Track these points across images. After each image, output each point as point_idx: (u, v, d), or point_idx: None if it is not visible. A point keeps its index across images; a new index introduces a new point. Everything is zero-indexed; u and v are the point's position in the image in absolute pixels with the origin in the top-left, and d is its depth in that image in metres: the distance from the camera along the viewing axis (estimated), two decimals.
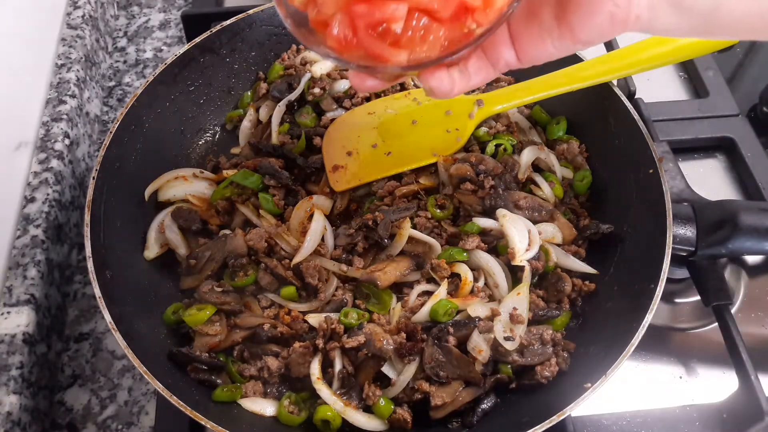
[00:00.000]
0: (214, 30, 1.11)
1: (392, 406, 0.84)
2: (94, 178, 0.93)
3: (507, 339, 0.84)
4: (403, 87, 1.13)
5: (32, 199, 1.04)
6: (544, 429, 0.75)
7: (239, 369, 0.89)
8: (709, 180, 1.19)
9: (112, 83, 1.38)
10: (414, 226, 0.96)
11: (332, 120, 1.10)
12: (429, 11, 0.57)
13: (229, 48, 1.14)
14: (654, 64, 0.98)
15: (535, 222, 0.96)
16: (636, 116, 0.98)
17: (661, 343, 1.01)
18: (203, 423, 0.76)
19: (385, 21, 0.56)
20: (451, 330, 0.86)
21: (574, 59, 1.02)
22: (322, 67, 1.15)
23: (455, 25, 0.58)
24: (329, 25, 0.58)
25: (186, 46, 1.09)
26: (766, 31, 0.59)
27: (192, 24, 1.31)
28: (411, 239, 0.95)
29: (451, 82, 0.64)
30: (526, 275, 0.91)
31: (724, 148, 1.22)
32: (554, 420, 0.75)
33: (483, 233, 0.95)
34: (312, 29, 0.60)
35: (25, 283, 0.96)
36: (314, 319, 0.90)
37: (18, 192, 1.05)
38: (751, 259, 1.08)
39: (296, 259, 0.94)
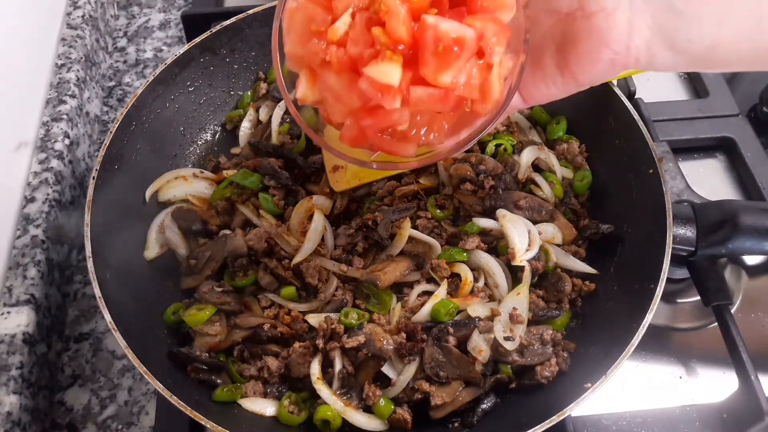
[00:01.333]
0: (214, 30, 1.10)
1: (392, 406, 0.84)
2: (94, 178, 0.93)
3: (507, 339, 0.84)
4: None
5: (32, 199, 1.04)
6: (544, 429, 0.75)
7: (239, 369, 0.89)
8: (709, 180, 1.19)
9: (112, 83, 1.38)
10: (414, 226, 0.96)
11: None
12: (431, 112, 0.61)
13: (229, 48, 1.14)
14: None
15: (535, 222, 0.96)
16: (636, 116, 0.98)
17: (661, 343, 1.01)
18: (203, 423, 0.76)
19: (391, 127, 0.61)
20: (451, 330, 0.86)
21: None
22: None
23: (457, 111, 0.62)
24: (341, 126, 0.63)
25: (186, 46, 1.09)
26: (760, 64, 0.62)
27: (192, 24, 1.31)
28: (411, 239, 0.95)
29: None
30: (526, 275, 0.91)
31: (724, 148, 1.22)
32: (554, 420, 0.75)
33: (483, 233, 0.95)
34: (323, 123, 0.66)
35: (25, 283, 0.96)
36: (314, 319, 0.90)
37: (18, 192, 1.05)
38: (751, 259, 1.08)
39: (296, 259, 0.94)
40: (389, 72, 0.56)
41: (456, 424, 0.84)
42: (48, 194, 1.05)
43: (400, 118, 0.60)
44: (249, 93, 1.17)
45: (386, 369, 0.86)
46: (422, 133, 0.63)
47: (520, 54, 0.62)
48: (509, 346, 0.84)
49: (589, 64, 0.61)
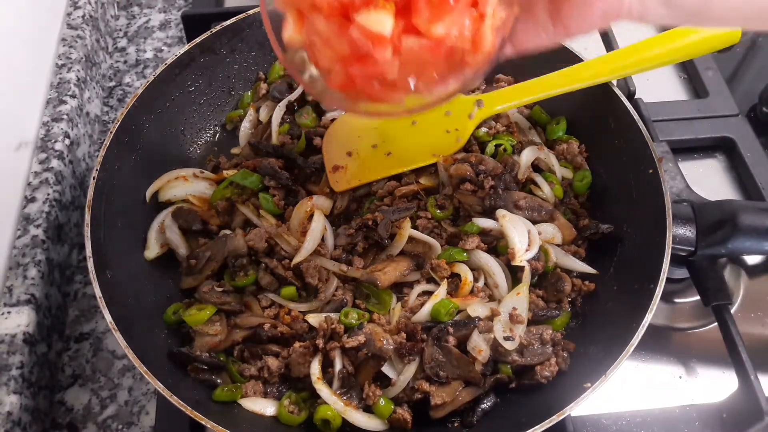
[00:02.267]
0: (214, 30, 1.11)
1: (392, 406, 0.84)
2: (94, 178, 0.93)
3: (507, 339, 0.85)
4: None
5: (32, 199, 1.04)
6: (543, 429, 0.75)
7: (239, 369, 0.89)
8: (709, 180, 1.19)
9: (113, 83, 1.38)
10: (414, 226, 0.96)
11: (332, 120, 1.10)
12: (421, 60, 0.59)
13: (229, 48, 1.14)
14: (654, 64, 0.98)
15: (535, 222, 0.96)
16: (636, 116, 0.98)
17: (661, 343, 1.01)
18: (203, 423, 0.76)
19: (380, 75, 0.59)
20: (451, 330, 0.86)
21: (574, 59, 1.03)
22: None
23: (448, 61, 0.61)
24: (329, 70, 0.61)
25: (186, 47, 1.09)
26: (758, 20, 0.61)
27: (192, 24, 1.31)
28: (411, 239, 0.95)
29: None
30: (526, 275, 0.91)
31: (723, 148, 1.23)
32: (554, 420, 0.75)
33: (483, 233, 0.96)
34: (310, 64, 0.64)
35: (26, 283, 0.97)
36: (314, 319, 0.90)
37: (18, 192, 1.05)
38: (751, 259, 1.08)
39: (296, 259, 0.94)
40: (381, 21, 0.55)
41: (456, 424, 0.85)
42: (48, 194, 1.05)
43: (390, 67, 0.58)
44: (249, 93, 1.18)
45: (386, 369, 0.86)
46: (410, 82, 0.62)
47: (513, 5, 0.61)
48: (509, 346, 0.85)
49: (582, 14, 0.61)
